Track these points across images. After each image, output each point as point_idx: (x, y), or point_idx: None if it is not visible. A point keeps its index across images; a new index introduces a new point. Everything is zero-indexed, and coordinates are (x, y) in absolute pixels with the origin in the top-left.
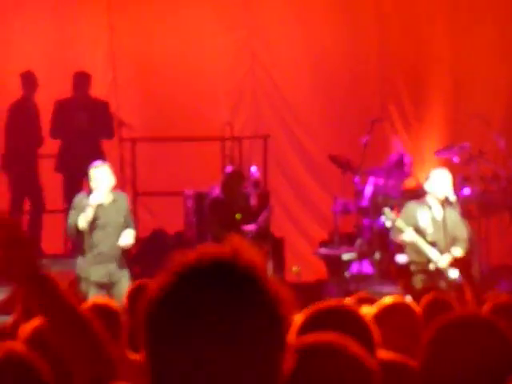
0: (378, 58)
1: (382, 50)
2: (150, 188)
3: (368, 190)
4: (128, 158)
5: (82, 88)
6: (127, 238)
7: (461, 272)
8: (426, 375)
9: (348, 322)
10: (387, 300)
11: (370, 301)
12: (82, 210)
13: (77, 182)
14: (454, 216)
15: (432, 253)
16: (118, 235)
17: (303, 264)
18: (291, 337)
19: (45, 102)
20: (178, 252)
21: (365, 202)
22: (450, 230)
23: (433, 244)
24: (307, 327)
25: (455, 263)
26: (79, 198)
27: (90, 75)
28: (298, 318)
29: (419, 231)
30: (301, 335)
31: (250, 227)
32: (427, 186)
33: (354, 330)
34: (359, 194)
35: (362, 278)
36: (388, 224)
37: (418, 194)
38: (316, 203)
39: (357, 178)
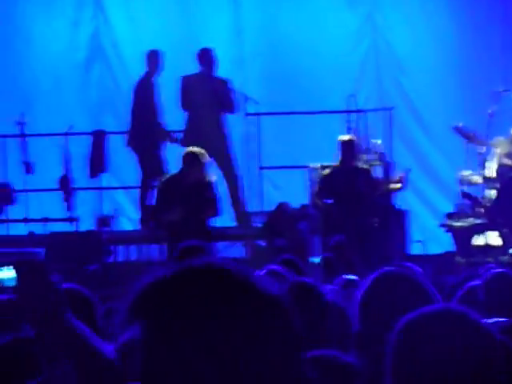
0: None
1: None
2: (275, 162)
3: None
4: (253, 132)
5: (207, 64)
6: None
7: None
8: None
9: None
10: None
11: None
12: None
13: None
14: None
15: None
16: None
17: (429, 236)
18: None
19: (170, 78)
20: None
21: (488, 173)
22: None
23: None
24: (371, 292)
25: None
26: None
27: (213, 50)
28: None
29: None
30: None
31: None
32: None
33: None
34: (484, 164)
35: (488, 250)
36: None
37: None
38: (441, 175)
39: (482, 149)
